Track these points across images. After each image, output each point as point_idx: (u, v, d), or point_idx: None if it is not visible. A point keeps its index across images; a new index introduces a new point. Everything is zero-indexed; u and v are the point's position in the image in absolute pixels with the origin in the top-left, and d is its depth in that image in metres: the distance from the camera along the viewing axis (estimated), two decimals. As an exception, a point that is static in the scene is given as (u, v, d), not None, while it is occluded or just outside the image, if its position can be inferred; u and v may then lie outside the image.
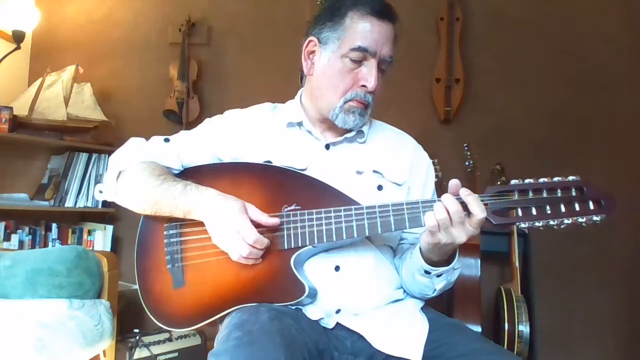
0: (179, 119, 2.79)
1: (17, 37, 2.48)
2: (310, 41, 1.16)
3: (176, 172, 1.18)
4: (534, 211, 0.93)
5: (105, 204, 2.74)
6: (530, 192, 0.94)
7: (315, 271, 1.05)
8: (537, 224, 0.93)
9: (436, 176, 1.46)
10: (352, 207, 1.00)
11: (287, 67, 2.55)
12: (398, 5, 1.14)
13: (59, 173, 2.68)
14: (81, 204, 2.68)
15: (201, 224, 1.05)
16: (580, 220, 0.93)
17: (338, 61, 1.10)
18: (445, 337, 1.04)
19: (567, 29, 2.67)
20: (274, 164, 1.12)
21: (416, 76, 2.71)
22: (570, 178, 0.94)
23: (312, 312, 1.04)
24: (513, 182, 0.95)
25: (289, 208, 1.04)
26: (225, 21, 2.92)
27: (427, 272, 1.05)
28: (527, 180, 0.95)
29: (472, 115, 2.70)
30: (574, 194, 0.93)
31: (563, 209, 0.92)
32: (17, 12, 2.47)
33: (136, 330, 1.96)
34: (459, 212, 0.93)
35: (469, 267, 2.06)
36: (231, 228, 0.99)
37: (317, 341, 0.99)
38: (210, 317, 1.05)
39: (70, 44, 2.95)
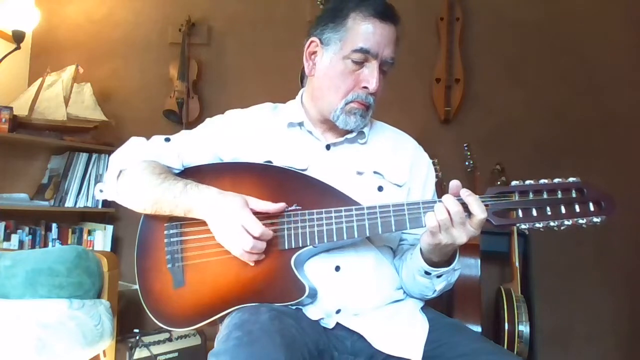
0: (179, 119, 2.79)
1: (17, 37, 2.48)
2: (312, 42, 1.16)
3: (177, 171, 1.18)
4: (534, 212, 0.93)
5: (105, 203, 2.74)
6: (530, 193, 0.94)
7: (315, 271, 1.05)
8: (537, 225, 0.93)
9: (436, 176, 1.47)
10: (353, 207, 1.00)
11: (287, 67, 2.56)
12: (398, 5, 1.14)
13: (59, 173, 2.69)
14: (81, 204, 2.68)
15: (202, 223, 1.05)
16: (580, 221, 0.93)
17: (340, 62, 1.10)
18: (445, 337, 1.04)
19: (567, 29, 2.67)
20: (275, 164, 1.12)
21: (416, 76, 2.71)
22: (571, 179, 0.95)
23: (312, 312, 1.04)
24: (514, 183, 0.96)
25: (289, 208, 1.04)
26: (225, 21, 2.92)
27: (427, 273, 1.05)
28: (527, 182, 0.95)
29: (472, 115, 2.70)
30: (574, 195, 0.94)
31: (563, 210, 0.93)
32: (17, 12, 2.46)
33: (136, 330, 1.96)
34: (460, 213, 0.93)
35: (469, 267, 2.06)
36: (235, 223, 0.99)
37: (317, 341, 0.99)
38: (211, 317, 1.05)
39: (70, 44, 2.95)
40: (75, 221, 2.83)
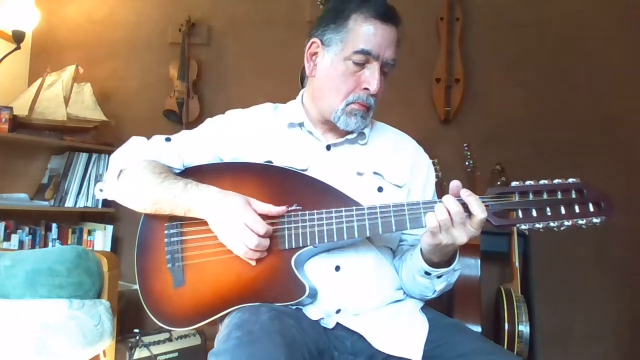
0: (179, 119, 2.79)
1: (17, 37, 2.48)
2: (312, 42, 1.16)
3: (177, 171, 1.18)
4: (534, 213, 0.94)
5: (105, 203, 2.74)
6: (530, 193, 0.94)
7: (315, 271, 1.05)
8: (537, 225, 0.94)
9: (436, 176, 1.47)
10: (353, 207, 1.00)
11: (287, 67, 2.57)
12: (398, 6, 1.14)
13: (59, 173, 2.68)
14: (81, 204, 2.68)
15: (202, 222, 1.05)
16: (580, 222, 0.93)
17: (341, 63, 1.11)
18: (445, 337, 1.04)
19: (567, 29, 2.68)
20: (275, 164, 1.12)
21: (416, 76, 2.71)
22: (570, 180, 0.95)
23: (312, 312, 1.04)
24: (514, 183, 0.96)
25: (290, 208, 1.04)
26: (225, 21, 2.92)
27: (427, 273, 1.05)
28: (527, 182, 0.95)
29: (472, 115, 2.70)
30: (573, 196, 0.94)
31: (563, 210, 0.93)
32: (17, 12, 2.46)
33: (136, 330, 1.96)
34: (460, 213, 0.93)
35: (469, 267, 2.06)
36: (238, 222, 0.99)
37: (317, 341, 1.00)
38: (211, 316, 1.05)
39: (70, 44, 2.95)
40: (75, 221, 2.83)
